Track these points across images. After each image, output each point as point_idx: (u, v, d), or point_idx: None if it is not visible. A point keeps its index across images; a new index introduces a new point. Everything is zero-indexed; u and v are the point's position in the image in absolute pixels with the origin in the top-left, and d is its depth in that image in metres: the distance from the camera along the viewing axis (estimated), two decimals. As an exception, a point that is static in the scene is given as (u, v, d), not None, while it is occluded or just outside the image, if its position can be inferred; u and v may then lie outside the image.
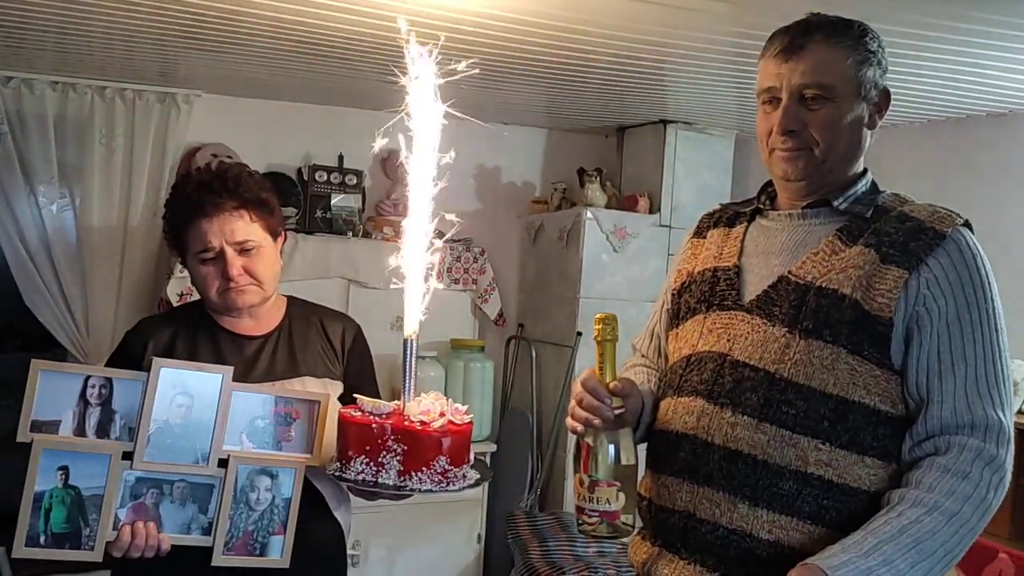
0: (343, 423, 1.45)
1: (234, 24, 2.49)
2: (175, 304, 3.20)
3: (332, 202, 3.53)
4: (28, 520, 1.47)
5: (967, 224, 1.29)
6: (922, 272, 1.23)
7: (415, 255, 1.40)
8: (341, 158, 3.66)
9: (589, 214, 3.61)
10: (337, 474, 1.43)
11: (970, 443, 1.20)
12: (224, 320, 1.70)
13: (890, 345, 1.23)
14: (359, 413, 1.43)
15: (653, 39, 2.48)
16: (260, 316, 1.72)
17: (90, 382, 1.51)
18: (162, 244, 3.40)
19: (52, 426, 1.49)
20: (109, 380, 1.52)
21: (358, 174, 3.64)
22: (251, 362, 1.68)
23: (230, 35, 2.61)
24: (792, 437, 1.24)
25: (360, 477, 1.39)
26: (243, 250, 1.63)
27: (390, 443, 1.38)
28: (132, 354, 1.64)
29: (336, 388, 1.70)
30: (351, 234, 3.52)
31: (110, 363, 1.66)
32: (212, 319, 1.70)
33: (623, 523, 1.29)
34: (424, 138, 1.38)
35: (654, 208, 3.75)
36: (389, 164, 3.72)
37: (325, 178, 3.55)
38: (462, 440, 1.41)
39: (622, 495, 1.28)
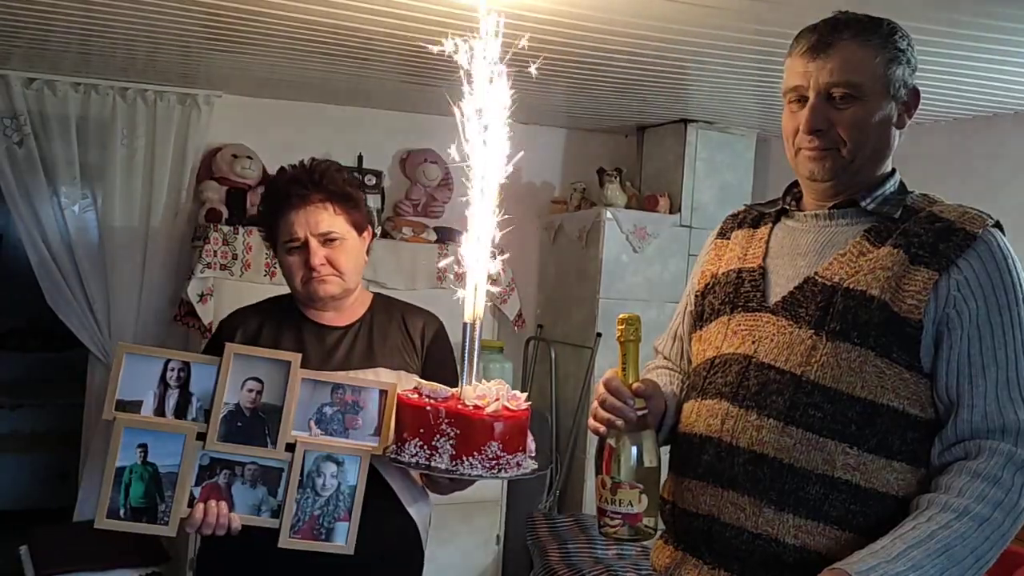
0: (399, 405, 1.46)
1: (254, 24, 2.50)
2: (195, 305, 3.22)
3: (351, 202, 3.53)
4: (110, 493, 1.54)
5: (998, 225, 1.27)
6: (952, 274, 1.21)
7: (477, 243, 1.40)
8: (360, 158, 3.66)
9: (609, 214, 3.59)
10: (392, 456, 1.43)
11: (1001, 448, 1.17)
12: (309, 311, 1.77)
13: (919, 348, 1.21)
14: (416, 396, 1.43)
15: (674, 37, 2.46)
16: (343, 309, 1.78)
17: (170, 365, 1.59)
18: (183, 244, 3.42)
19: (135, 406, 1.57)
20: (187, 364, 1.59)
21: (377, 174, 3.64)
22: (331, 351, 1.73)
23: (250, 36, 2.62)
24: (819, 441, 1.22)
25: (414, 460, 1.39)
26: (327, 240, 1.70)
27: (443, 426, 1.36)
28: (224, 340, 1.70)
29: (411, 381, 1.70)
30: (370, 234, 3.51)
31: (206, 348, 1.75)
32: (299, 310, 1.78)
33: (645, 526, 1.28)
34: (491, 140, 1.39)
35: (674, 208, 3.73)
36: (408, 164, 3.72)
37: (344, 178, 3.55)
38: (516, 426, 1.39)
39: (644, 497, 1.27)
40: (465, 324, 1.42)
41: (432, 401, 1.39)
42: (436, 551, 3.48)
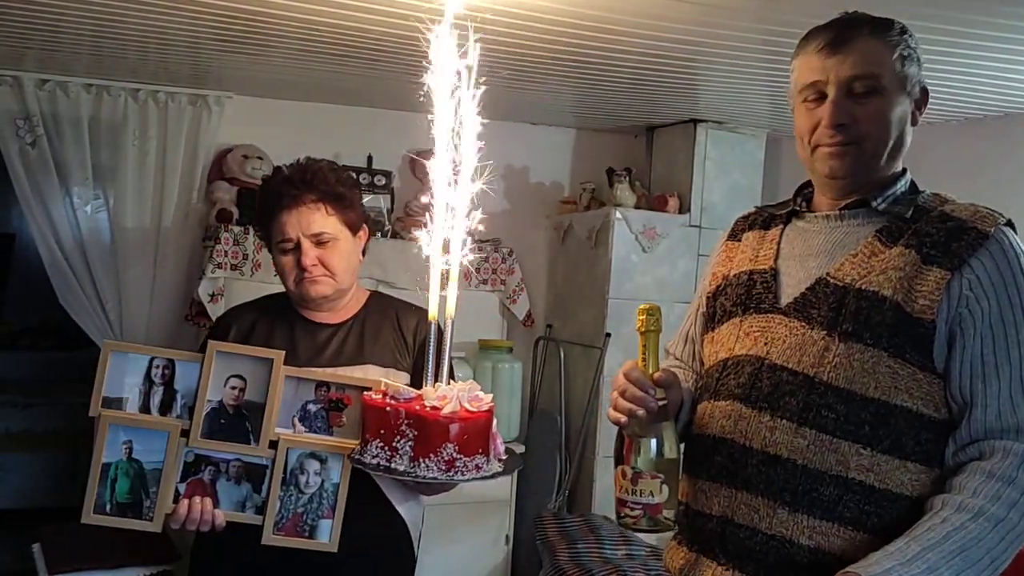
0: (363, 406, 1.45)
1: (264, 26, 2.51)
2: (206, 304, 3.23)
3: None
4: (96, 489, 1.55)
5: (1010, 223, 1.26)
6: (964, 273, 1.20)
7: (438, 241, 1.39)
8: (370, 159, 3.67)
9: (618, 214, 3.58)
10: (355, 457, 1.42)
11: (1016, 448, 1.17)
12: (303, 309, 1.78)
13: (932, 348, 1.21)
14: (380, 397, 1.42)
15: (684, 37, 2.45)
16: (337, 308, 1.79)
17: (154, 363, 1.59)
18: (194, 244, 3.43)
19: (120, 403, 1.58)
20: (172, 361, 1.60)
21: (387, 175, 3.64)
22: (321, 348, 1.74)
23: (260, 37, 2.63)
24: (832, 442, 1.22)
25: (375, 461, 1.38)
26: (319, 242, 1.70)
27: (403, 427, 1.35)
28: (218, 338, 1.72)
29: (401, 379, 1.70)
30: (380, 235, 3.52)
31: (201, 346, 1.74)
32: (293, 308, 1.79)
33: (664, 517, 1.27)
34: (445, 137, 1.37)
35: (684, 208, 3.72)
36: (418, 164, 3.73)
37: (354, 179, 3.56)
38: (474, 428, 1.37)
39: (665, 488, 1.26)
40: (431, 323, 1.41)
41: (393, 402, 1.38)
42: (445, 551, 3.49)
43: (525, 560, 3.67)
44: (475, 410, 1.38)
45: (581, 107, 3.59)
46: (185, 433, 1.57)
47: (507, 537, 3.65)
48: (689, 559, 1.36)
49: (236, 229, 3.27)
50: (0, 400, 4.72)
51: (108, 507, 1.55)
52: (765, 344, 1.31)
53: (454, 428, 1.35)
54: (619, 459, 1.29)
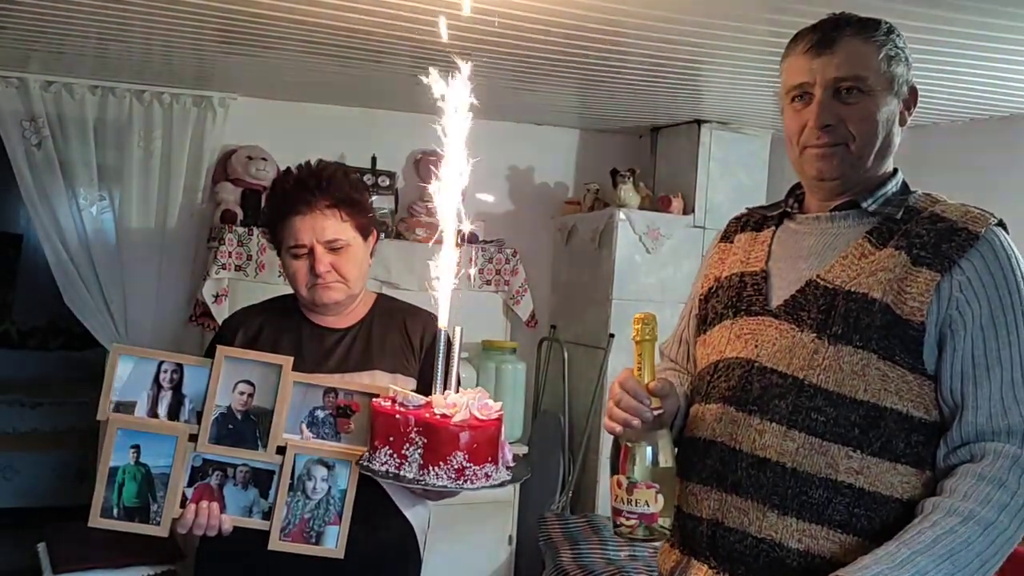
0: (372, 413, 1.45)
1: (269, 27, 2.51)
2: (210, 305, 3.24)
3: (365, 203, 3.55)
4: (103, 492, 1.55)
5: (1001, 223, 1.26)
6: (955, 274, 1.20)
7: (447, 249, 1.39)
8: (374, 159, 3.68)
9: (622, 215, 3.58)
10: (364, 464, 1.43)
11: (1007, 450, 1.16)
12: (310, 313, 1.77)
13: (922, 350, 1.20)
14: (390, 403, 1.42)
15: (688, 37, 2.45)
16: (345, 312, 1.77)
17: (163, 367, 1.59)
18: (198, 245, 3.45)
19: (128, 407, 1.58)
20: (180, 366, 1.59)
21: (391, 175, 3.65)
22: (328, 353, 1.72)
23: (265, 38, 2.64)
24: (822, 444, 1.22)
25: (384, 468, 1.38)
26: (332, 248, 1.68)
27: (413, 435, 1.36)
28: (225, 341, 1.71)
29: (408, 384, 1.70)
30: (384, 236, 3.53)
31: (208, 347, 1.74)
32: (300, 311, 1.77)
33: (660, 526, 1.27)
34: (454, 140, 1.38)
35: (688, 209, 3.72)
36: (422, 165, 3.73)
37: (358, 180, 3.57)
38: (483, 436, 1.37)
39: (661, 497, 1.26)
40: (439, 331, 1.41)
41: (403, 409, 1.38)
42: (448, 551, 3.49)
43: (528, 560, 3.67)
44: (485, 418, 1.38)
45: (585, 108, 3.59)
46: (193, 438, 1.57)
47: (510, 537, 3.66)
48: (680, 561, 1.36)
49: (240, 230, 3.28)
50: (8, 400, 4.76)
51: (115, 511, 1.55)
52: (755, 347, 1.30)
53: (464, 436, 1.35)
54: (615, 468, 1.29)
